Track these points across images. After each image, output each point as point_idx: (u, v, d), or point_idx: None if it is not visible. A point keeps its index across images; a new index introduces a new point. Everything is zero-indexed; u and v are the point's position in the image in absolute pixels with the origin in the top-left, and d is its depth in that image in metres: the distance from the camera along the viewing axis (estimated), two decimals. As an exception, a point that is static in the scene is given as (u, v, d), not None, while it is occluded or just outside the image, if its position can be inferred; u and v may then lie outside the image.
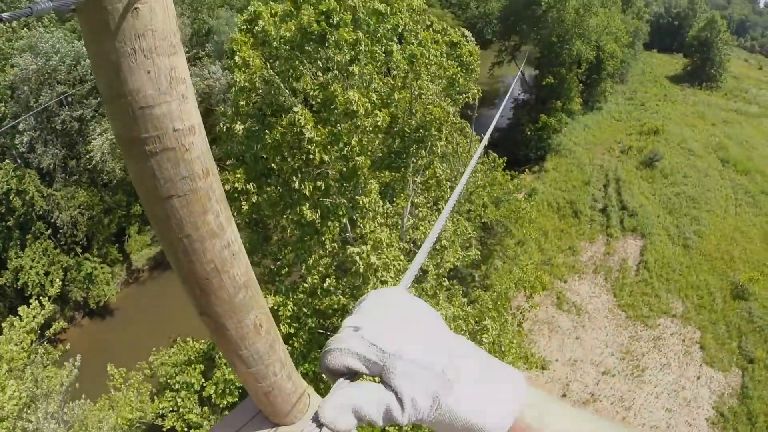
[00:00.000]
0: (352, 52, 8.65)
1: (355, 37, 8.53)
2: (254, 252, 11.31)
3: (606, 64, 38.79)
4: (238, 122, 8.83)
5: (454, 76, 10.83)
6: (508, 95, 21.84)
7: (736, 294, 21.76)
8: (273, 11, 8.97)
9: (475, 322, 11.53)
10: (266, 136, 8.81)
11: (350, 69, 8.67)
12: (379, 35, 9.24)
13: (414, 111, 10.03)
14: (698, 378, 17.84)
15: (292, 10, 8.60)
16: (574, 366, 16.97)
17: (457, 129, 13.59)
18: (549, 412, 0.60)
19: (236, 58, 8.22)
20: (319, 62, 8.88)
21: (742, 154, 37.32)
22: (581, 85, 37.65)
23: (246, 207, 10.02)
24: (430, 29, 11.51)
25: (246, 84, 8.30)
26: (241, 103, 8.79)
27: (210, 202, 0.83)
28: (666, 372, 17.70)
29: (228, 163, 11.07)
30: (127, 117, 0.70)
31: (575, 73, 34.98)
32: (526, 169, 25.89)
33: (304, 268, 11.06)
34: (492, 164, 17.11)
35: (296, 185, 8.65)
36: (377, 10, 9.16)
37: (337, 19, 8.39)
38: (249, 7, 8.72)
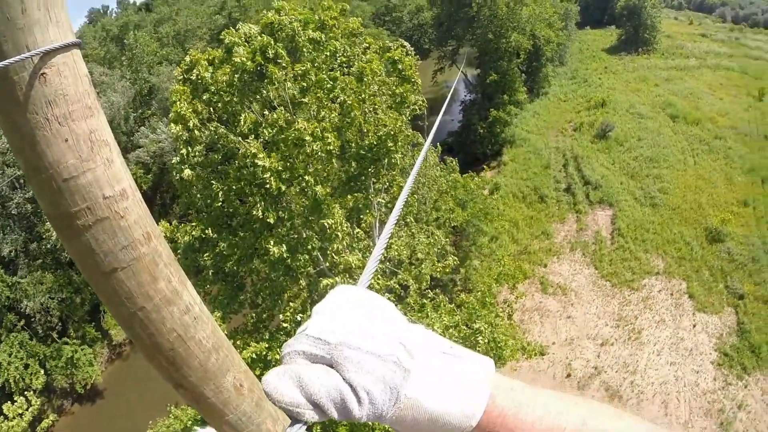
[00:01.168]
0: (303, 83, 10.32)
1: (303, 69, 10.22)
2: (231, 303, 12.19)
3: (544, 50, 45.17)
4: (187, 169, 10.32)
5: (402, 94, 12.71)
6: (448, 98, 25.01)
7: (712, 238, 25.34)
8: (210, 57, 10.60)
9: (467, 325, 13.65)
10: (220, 181, 10.29)
11: (304, 100, 10.41)
12: (318, 63, 11.01)
13: (365, 131, 11.60)
14: (694, 326, 20.67)
15: (226, 56, 10.29)
16: (571, 345, 19.27)
17: (410, 142, 16.31)
18: (523, 395, 0.64)
19: (171, 112, 9.86)
20: (262, 100, 10.60)
21: (689, 106, 43.16)
22: (524, 74, 43.01)
23: (210, 258, 11.10)
24: (368, 50, 13.51)
25: (184, 133, 9.85)
26: (183, 151, 10.27)
27: (158, 268, 0.87)
28: (662, 328, 20.41)
29: (189, 214, 12.52)
30: (52, 192, 0.74)
31: (516, 64, 39.94)
32: (485, 166, 29.33)
33: (276, 308, 12.70)
34: (451, 169, 20.11)
35: (259, 213, 10.08)
36: (313, 39, 10.98)
37: (272, 52, 10.02)
38: (186, 58, 10.40)
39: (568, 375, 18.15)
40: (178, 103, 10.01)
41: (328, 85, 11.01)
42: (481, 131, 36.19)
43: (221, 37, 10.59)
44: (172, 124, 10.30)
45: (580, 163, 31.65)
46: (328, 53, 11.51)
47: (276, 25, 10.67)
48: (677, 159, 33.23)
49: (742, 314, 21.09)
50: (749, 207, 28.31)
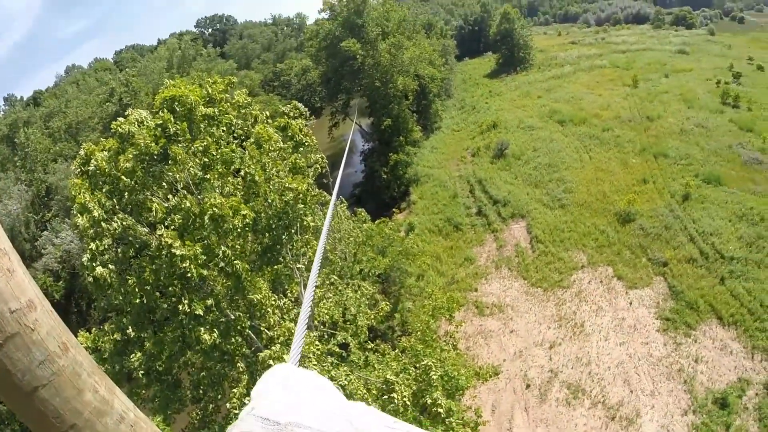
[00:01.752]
0: (205, 159, 11.71)
1: (203, 144, 11.63)
2: (170, 403, 12.82)
3: (430, 88, 54.42)
4: (99, 267, 11.08)
5: (295, 162, 14.60)
6: (345, 150, 29.41)
7: (623, 220, 30.77)
8: (104, 147, 11.65)
9: (415, 367, 16.08)
10: (136, 276, 11.24)
11: (206, 177, 11.79)
12: (215, 138, 12.61)
13: (271, 201, 12.99)
14: (630, 304, 24.93)
15: (121, 147, 11.44)
16: (522, 356, 22.30)
17: (318, 201, 19.13)
18: None
19: (75, 204, 10.65)
20: (165, 184, 11.78)
21: (573, 108, 52.08)
22: (415, 114, 51.09)
23: (138, 359, 11.70)
24: (256, 122, 15.34)
25: (90, 227, 10.80)
26: (92, 246, 11.14)
27: (81, 379, 0.90)
28: (602, 315, 24.41)
29: (109, 317, 13.16)
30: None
31: (406, 106, 47.38)
32: (395, 210, 33.48)
33: (220, 397, 14.02)
34: (362, 219, 23.60)
35: (186, 308, 11.14)
36: (207, 115, 12.57)
37: (173, 129, 11.38)
38: (80, 151, 11.38)
39: (528, 386, 20.94)
40: (79, 195, 10.96)
41: (230, 159, 12.51)
42: (385, 176, 41.86)
43: (112, 128, 11.85)
44: (78, 216, 11.09)
45: (485, 185, 37.02)
46: (224, 128, 13.29)
47: (177, 100, 12.23)
48: (573, 159, 40.10)
49: (671, 278, 25.83)
50: (649, 183, 34.98)
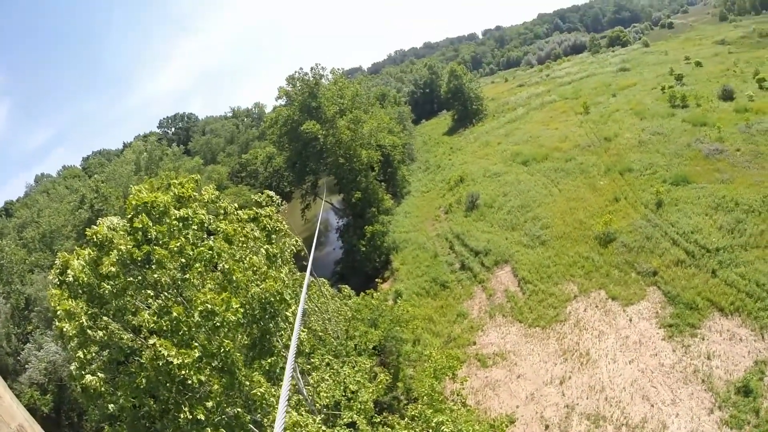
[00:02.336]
0: (182, 260, 12.24)
1: (179, 245, 12.18)
2: None
3: (393, 156, 58.60)
4: (87, 375, 11.36)
5: (271, 249, 15.29)
6: (316, 232, 31.13)
7: (605, 242, 31.98)
8: (79, 255, 12.13)
9: (429, 429, 16.48)
10: (128, 384, 11.50)
11: (186, 277, 12.39)
12: (189, 238, 13.12)
13: (253, 294, 13.48)
14: (630, 320, 25.60)
15: (99, 255, 11.95)
16: (534, 399, 22.55)
17: (301, 285, 19.95)
18: None
19: (59, 311, 11.02)
20: (150, 288, 12.30)
21: (533, 147, 54.93)
22: (383, 183, 54.49)
23: None
24: (226, 215, 16.08)
25: (75, 333, 11.10)
26: (80, 354, 11.39)
27: None
28: (604, 339, 25.00)
29: (103, 426, 13.28)
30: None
31: (373, 177, 50.41)
32: (379, 280, 34.42)
33: None
34: (347, 295, 24.60)
35: (188, 414, 11.34)
36: (182, 217, 13.17)
37: (155, 233, 11.98)
38: (56, 261, 11.78)
39: (546, 427, 20.95)
40: (62, 302, 11.43)
41: (209, 257, 13.05)
42: (364, 249, 43.57)
43: (87, 236, 12.41)
44: (63, 323, 11.36)
45: (464, 239, 38.50)
46: (195, 226, 13.77)
47: (149, 205, 12.89)
48: (544, 195, 42.00)
49: (663, 285, 26.73)
50: (621, 200, 36.69)
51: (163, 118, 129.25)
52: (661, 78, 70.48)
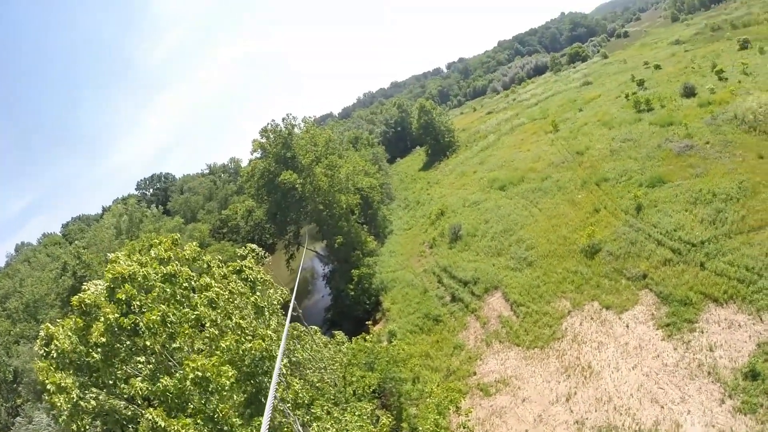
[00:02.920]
0: (169, 327, 12.64)
1: (159, 314, 12.50)
2: None
3: (372, 197, 60.28)
4: None
5: (255, 301, 15.97)
6: (296, 279, 31.50)
7: (591, 254, 32.90)
8: (64, 326, 12.48)
9: None
10: None
11: (175, 345, 12.77)
12: (177, 297, 13.75)
13: (244, 351, 13.83)
14: (627, 326, 26.13)
15: (84, 324, 12.32)
16: (543, 420, 22.70)
17: (292, 336, 20.46)
18: None
19: (49, 385, 11.30)
20: (139, 355, 12.66)
21: (509, 171, 56.44)
22: (365, 225, 56.05)
23: None
24: (210, 269, 16.70)
25: (67, 407, 11.36)
26: (74, 428, 11.70)
27: None
28: (604, 349, 25.45)
29: None
30: None
31: (354, 220, 51.78)
32: (370, 322, 34.90)
33: None
34: (340, 341, 24.93)
35: None
36: (168, 274, 13.78)
37: (138, 303, 12.36)
38: (41, 332, 12.11)
39: (559, 447, 21.52)
40: (50, 377, 11.72)
41: (193, 317, 13.57)
42: (353, 293, 44.58)
43: (73, 304, 12.83)
44: (54, 396, 11.60)
45: (451, 271, 39.27)
46: (180, 288, 14.35)
47: (130, 276, 13.33)
48: (525, 216, 43.10)
49: (655, 287, 27.48)
50: (601, 211, 37.88)
51: (141, 180, 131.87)
52: (623, 86, 73.59)
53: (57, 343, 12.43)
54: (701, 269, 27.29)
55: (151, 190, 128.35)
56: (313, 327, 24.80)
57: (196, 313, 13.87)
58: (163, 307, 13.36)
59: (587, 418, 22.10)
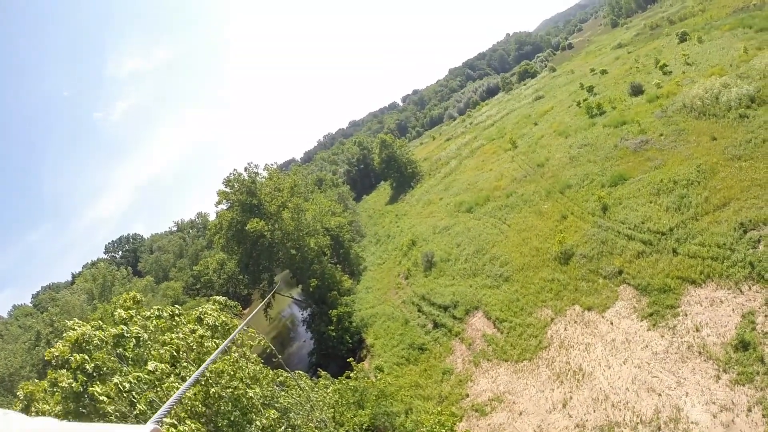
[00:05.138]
0: (126, 397, 12.79)
1: (115, 381, 12.73)
2: None
3: (343, 236, 61.64)
4: None
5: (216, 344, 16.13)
6: (259, 307, 31.46)
7: (564, 259, 33.76)
8: (41, 385, 12.89)
9: None
10: None
11: (135, 412, 12.78)
12: (129, 356, 14.02)
13: (224, 410, 14.30)
14: (611, 323, 26.80)
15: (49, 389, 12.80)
16: (542, 430, 22.86)
17: (276, 382, 20.48)
18: None
19: None
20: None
21: (474, 192, 57.81)
22: (338, 265, 57.20)
23: None
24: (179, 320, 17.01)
25: None
26: None
27: None
28: (593, 350, 25.93)
29: None
30: None
31: (327, 261, 52.50)
32: (352, 361, 34.97)
33: None
34: (325, 384, 24.91)
35: None
36: (118, 335, 14.19)
37: (90, 367, 12.62)
38: (18, 393, 12.50)
39: (562, 455, 21.71)
40: None
41: (148, 380, 13.65)
42: (334, 334, 45.31)
43: (47, 357, 13.23)
44: None
45: (429, 298, 39.94)
46: (129, 350, 14.60)
47: (84, 339, 13.65)
48: (495, 234, 44.11)
49: (632, 280, 28.38)
50: (568, 217, 39.04)
51: (109, 243, 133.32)
52: (574, 95, 76.79)
53: (37, 405, 12.73)
54: (674, 255, 28.34)
55: (120, 252, 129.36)
56: (297, 372, 24.80)
57: (153, 372, 13.98)
58: (117, 377, 13.51)
59: (587, 420, 22.43)
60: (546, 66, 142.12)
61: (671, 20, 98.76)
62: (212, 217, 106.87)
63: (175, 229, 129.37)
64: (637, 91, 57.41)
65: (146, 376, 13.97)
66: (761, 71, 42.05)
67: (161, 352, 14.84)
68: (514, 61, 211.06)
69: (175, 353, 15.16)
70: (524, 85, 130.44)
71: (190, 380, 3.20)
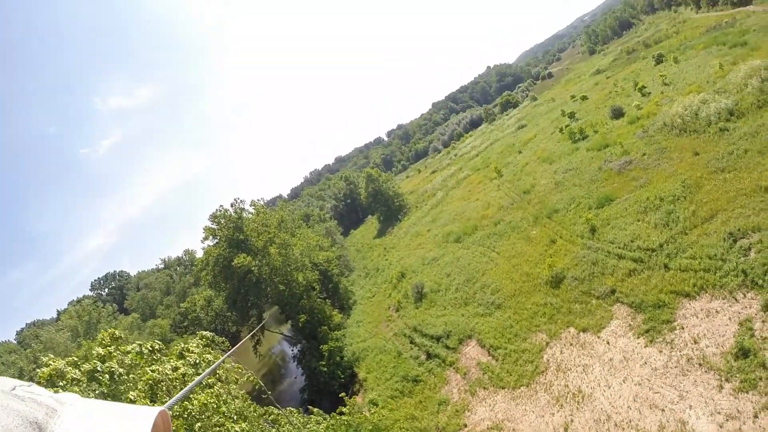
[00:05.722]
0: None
1: None
2: None
3: (331, 271, 61.48)
4: None
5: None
6: (242, 341, 30.83)
7: (556, 283, 33.68)
8: None
9: None
10: None
11: None
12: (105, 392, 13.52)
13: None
14: (608, 343, 26.57)
15: None
16: None
17: (266, 419, 19.96)
18: None
19: None
20: None
21: (462, 222, 58.05)
22: (327, 300, 56.81)
23: None
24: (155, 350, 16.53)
25: None
26: None
27: None
28: (590, 371, 25.60)
29: None
30: None
31: (316, 295, 52.31)
32: (343, 394, 34.44)
33: None
34: (318, 420, 24.19)
35: None
36: (91, 370, 13.65)
37: None
38: None
39: (566, 482, 21.15)
40: None
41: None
42: (325, 369, 44.59)
43: (39, 377, 12.83)
44: None
45: (421, 329, 39.67)
46: (105, 386, 14.00)
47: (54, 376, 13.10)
48: (485, 263, 44.13)
49: (626, 299, 28.32)
50: (557, 241, 39.16)
51: (95, 280, 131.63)
52: (556, 122, 78.18)
53: None
54: (666, 270, 28.39)
55: (106, 290, 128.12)
56: (289, 408, 24.20)
57: (133, 402, 13.69)
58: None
59: (589, 443, 21.98)
60: (527, 95, 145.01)
61: (647, 44, 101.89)
62: (199, 254, 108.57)
63: (162, 266, 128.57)
64: (617, 114, 58.55)
65: None
66: (738, 84, 43.15)
67: (138, 386, 14.46)
68: (496, 92, 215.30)
69: (153, 384, 14.80)
70: (507, 115, 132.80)
71: (199, 378, 3.04)
